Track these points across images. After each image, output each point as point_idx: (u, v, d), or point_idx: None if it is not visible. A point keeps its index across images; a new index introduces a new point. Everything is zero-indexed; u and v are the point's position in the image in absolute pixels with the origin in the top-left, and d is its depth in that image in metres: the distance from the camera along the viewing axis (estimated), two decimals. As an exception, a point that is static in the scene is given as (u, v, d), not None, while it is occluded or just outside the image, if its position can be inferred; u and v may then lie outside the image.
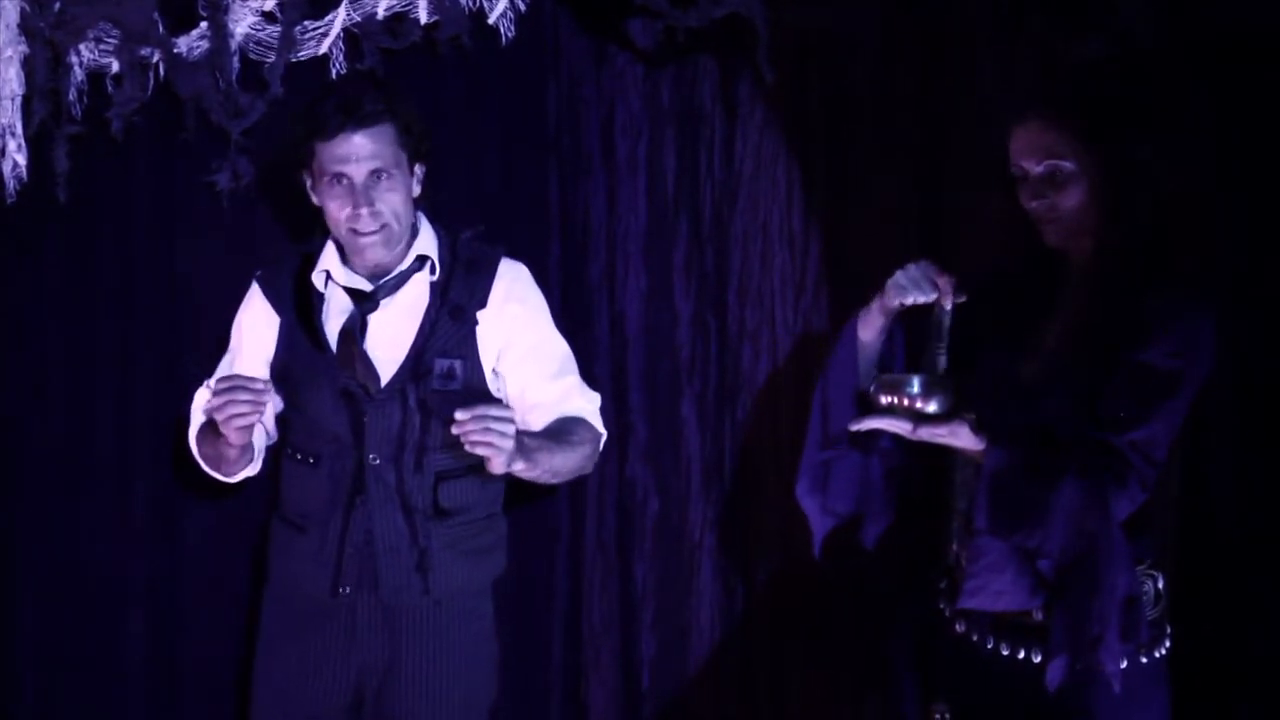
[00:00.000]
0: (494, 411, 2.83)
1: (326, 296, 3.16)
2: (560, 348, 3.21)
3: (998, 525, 2.69)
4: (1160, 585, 2.81)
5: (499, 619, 3.28)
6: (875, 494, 2.92)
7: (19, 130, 3.36)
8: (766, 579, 3.80)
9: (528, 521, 3.67)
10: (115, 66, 3.41)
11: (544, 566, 3.79)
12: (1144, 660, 2.77)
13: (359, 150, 3.01)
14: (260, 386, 2.90)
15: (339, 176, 3.03)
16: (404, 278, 3.13)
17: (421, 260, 3.14)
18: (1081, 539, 2.64)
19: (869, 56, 3.64)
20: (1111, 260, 2.75)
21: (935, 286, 2.73)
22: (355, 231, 3.05)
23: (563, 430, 3.08)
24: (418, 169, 3.12)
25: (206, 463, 3.21)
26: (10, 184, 3.39)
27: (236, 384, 2.90)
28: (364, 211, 3.03)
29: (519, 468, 2.92)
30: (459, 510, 3.13)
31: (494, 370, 3.15)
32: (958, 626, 2.86)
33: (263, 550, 3.32)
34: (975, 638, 2.84)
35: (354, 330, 3.10)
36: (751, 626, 3.81)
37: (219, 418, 2.91)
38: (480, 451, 2.82)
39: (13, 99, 3.33)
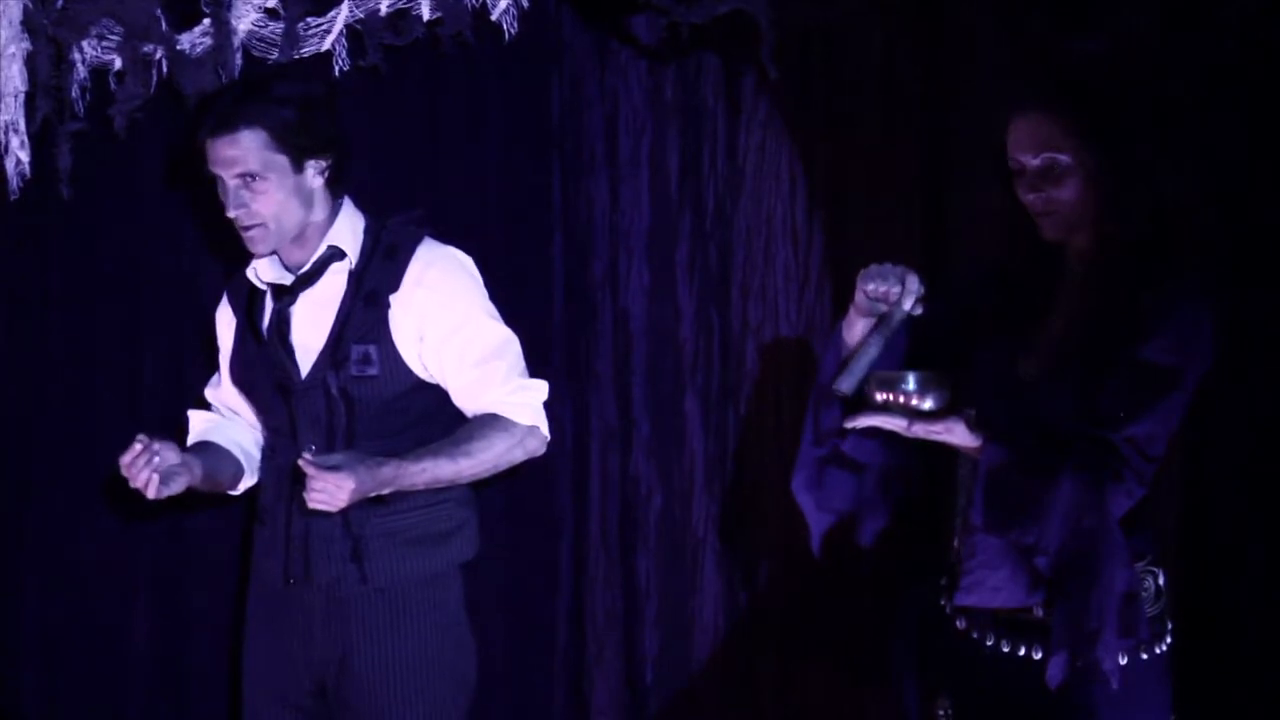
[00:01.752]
0: (332, 478, 2.90)
1: (265, 292, 3.19)
2: (485, 333, 3.13)
3: (994, 522, 2.67)
4: (1160, 582, 2.79)
5: (501, 614, 3.27)
6: (869, 496, 2.91)
7: (22, 127, 3.37)
8: (769, 575, 3.81)
9: (531, 516, 3.67)
10: (118, 63, 3.41)
11: (547, 562, 3.80)
12: (1144, 657, 2.75)
13: (223, 156, 3.03)
14: (136, 448, 2.97)
15: (216, 177, 3.07)
16: (319, 268, 3.13)
17: (336, 250, 3.13)
18: (1079, 535, 2.62)
19: (871, 53, 3.65)
20: (1110, 255, 2.74)
21: (900, 281, 2.70)
22: (241, 228, 3.09)
23: (459, 438, 3.07)
24: (314, 163, 3.08)
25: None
26: (14, 181, 3.41)
27: (125, 467, 2.98)
28: (233, 214, 3.07)
29: (376, 492, 2.99)
30: (398, 497, 3.09)
31: (420, 355, 3.11)
32: (958, 623, 2.85)
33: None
34: (976, 634, 2.83)
35: (273, 323, 3.14)
36: (754, 622, 3.81)
37: (149, 495, 3.00)
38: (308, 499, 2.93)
39: (16, 96, 3.34)
